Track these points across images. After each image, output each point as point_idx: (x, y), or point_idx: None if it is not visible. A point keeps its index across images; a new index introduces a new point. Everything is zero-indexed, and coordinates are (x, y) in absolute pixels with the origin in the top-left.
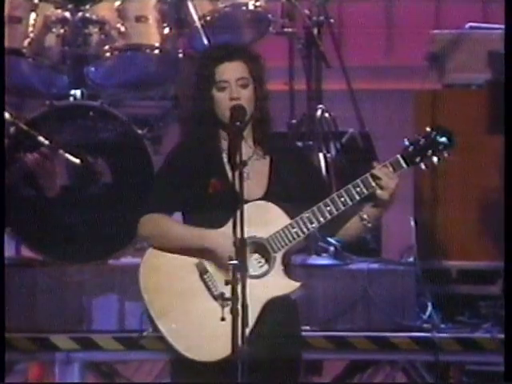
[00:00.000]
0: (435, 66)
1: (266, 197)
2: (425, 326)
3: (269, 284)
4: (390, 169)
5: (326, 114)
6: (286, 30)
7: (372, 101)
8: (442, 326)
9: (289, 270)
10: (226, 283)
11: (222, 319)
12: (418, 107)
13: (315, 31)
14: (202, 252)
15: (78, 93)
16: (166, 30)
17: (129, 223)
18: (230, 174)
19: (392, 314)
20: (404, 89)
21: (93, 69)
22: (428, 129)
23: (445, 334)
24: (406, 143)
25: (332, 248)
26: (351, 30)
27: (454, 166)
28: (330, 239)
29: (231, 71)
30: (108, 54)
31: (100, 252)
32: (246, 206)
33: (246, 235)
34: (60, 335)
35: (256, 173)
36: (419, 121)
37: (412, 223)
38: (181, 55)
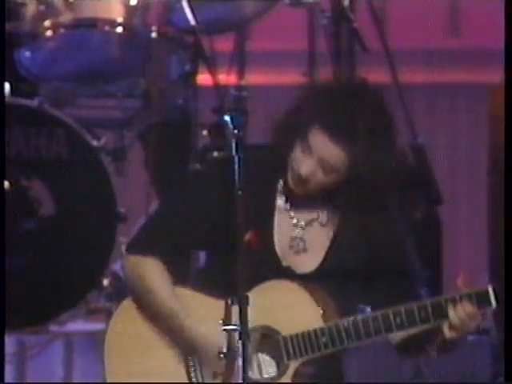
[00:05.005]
0: None
1: (317, 273)
2: None
3: None
4: (473, 304)
5: None
6: None
7: (429, 99)
8: None
9: None
10: None
11: None
12: (497, 108)
13: (346, 1)
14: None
15: (5, 87)
16: (133, 0)
17: (79, 272)
18: (276, 226)
19: None
20: (476, 82)
21: (27, 53)
22: None
23: None
24: None
25: (370, 309)
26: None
27: None
28: None
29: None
30: (49, 33)
31: (38, 314)
32: (259, 287)
33: (255, 323)
34: None
35: (314, 243)
36: (498, 128)
37: (487, 273)
38: (154, 34)
